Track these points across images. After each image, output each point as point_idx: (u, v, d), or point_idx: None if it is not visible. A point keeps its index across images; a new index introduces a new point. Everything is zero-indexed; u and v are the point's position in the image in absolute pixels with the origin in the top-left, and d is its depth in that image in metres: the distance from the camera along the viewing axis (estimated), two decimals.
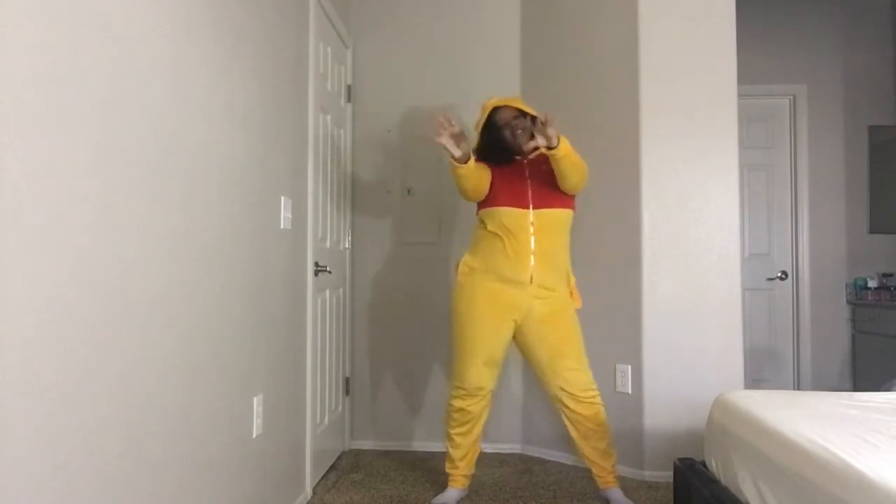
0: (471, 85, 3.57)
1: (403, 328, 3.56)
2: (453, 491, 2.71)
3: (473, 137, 2.75)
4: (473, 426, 2.67)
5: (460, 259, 2.71)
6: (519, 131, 2.62)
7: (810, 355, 4.36)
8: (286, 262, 2.47)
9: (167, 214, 1.55)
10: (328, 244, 3.11)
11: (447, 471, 2.73)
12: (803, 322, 4.37)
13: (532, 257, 2.56)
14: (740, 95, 3.09)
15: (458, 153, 2.45)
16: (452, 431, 2.69)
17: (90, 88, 1.26)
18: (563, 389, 2.55)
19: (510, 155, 2.68)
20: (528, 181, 2.63)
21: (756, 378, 4.23)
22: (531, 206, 2.58)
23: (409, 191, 3.58)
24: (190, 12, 1.66)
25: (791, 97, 4.41)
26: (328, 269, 2.95)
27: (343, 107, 3.46)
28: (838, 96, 4.41)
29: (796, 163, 4.40)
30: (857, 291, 4.33)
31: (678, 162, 3.01)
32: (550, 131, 2.34)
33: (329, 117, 3.12)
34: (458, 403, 2.65)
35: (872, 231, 4.36)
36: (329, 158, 3.13)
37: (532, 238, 2.57)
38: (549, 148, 2.39)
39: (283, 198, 2.42)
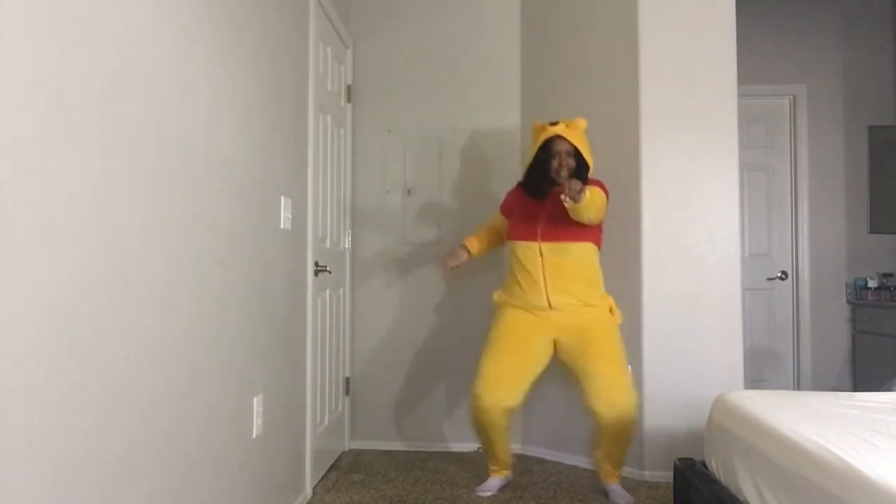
0: (470, 85, 3.57)
1: (403, 328, 3.56)
2: (495, 479, 2.85)
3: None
4: (491, 428, 2.74)
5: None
6: (564, 171, 2.71)
7: (810, 355, 4.35)
8: (286, 262, 2.47)
9: (167, 214, 1.55)
10: (328, 244, 3.10)
11: (489, 466, 2.88)
12: (803, 322, 4.36)
13: (544, 285, 2.69)
14: (740, 95, 3.09)
15: (463, 258, 2.93)
16: (479, 436, 2.83)
17: (91, 89, 1.26)
18: (605, 403, 2.59)
19: (546, 182, 2.76)
20: (542, 216, 2.73)
21: (756, 378, 4.23)
22: (539, 239, 2.70)
23: (409, 191, 3.58)
24: (190, 12, 1.66)
25: (791, 97, 4.41)
26: (328, 269, 2.95)
27: (343, 107, 3.46)
28: (838, 96, 4.41)
29: (796, 163, 4.39)
30: (857, 291, 4.33)
31: (678, 162, 3.01)
32: (575, 190, 2.40)
33: (329, 117, 3.12)
34: (473, 411, 2.76)
35: (872, 231, 4.35)
36: (329, 158, 3.13)
37: (542, 268, 2.69)
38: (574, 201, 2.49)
39: (283, 198, 2.42)
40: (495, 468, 2.86)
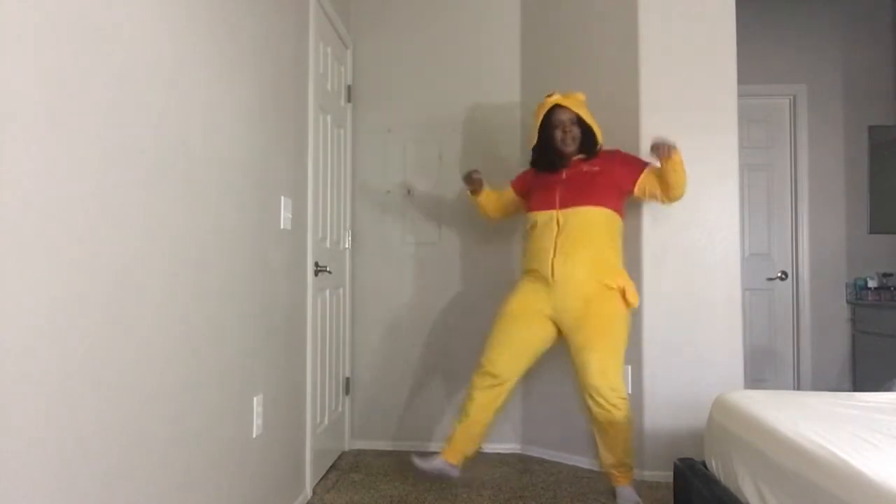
0: (471, 84, 3.57)
1: (403, 328, 3.56)
2: (442, 462, 2.73)
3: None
4: (483, 406, 2.72)
5: None
6: (570, 138, 2.73)
7: (810, 355, 4.35)
8: (286, 262, 2.47)
9: (167, 215, 1.55)
10: (328, 244, 3.10)
11: (444, 446, 2.79)
12: (803, 322, 4.36)
13: (553, 252, 2.65)
14: (740, 95, 3.09)
15: (479, 181, 2.95)
16: (461, 412, 2.77)
17: (91, 89, 1.26)
18: (586, 389, 2.62)
19: (557, 156, 2.77)
20: (559, 185, 2.73)
21: (756, 378, 4.23)
22: (557, 207, 2.69)
23: (409, 191, 3.58)
24: (190, 13, 1.66)
25: (791, 97, 4.41)
26: (328, 269, 2.95)
27: (343, 107, 3.46)
28: (838, 96, 4.41)
29: (796, 163, 4.39)
30: (857, 291, 4.33)
31: None
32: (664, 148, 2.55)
33: (329, 117, 3.12)
34: (476, 378, 2.74)
35: (872, 231, 4.35)
36: (329, 158, 3.13)
37: (555, 235, 2.66)
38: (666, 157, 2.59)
39: (283, 198, 2.42)
40: (450, 453, 2.72)
